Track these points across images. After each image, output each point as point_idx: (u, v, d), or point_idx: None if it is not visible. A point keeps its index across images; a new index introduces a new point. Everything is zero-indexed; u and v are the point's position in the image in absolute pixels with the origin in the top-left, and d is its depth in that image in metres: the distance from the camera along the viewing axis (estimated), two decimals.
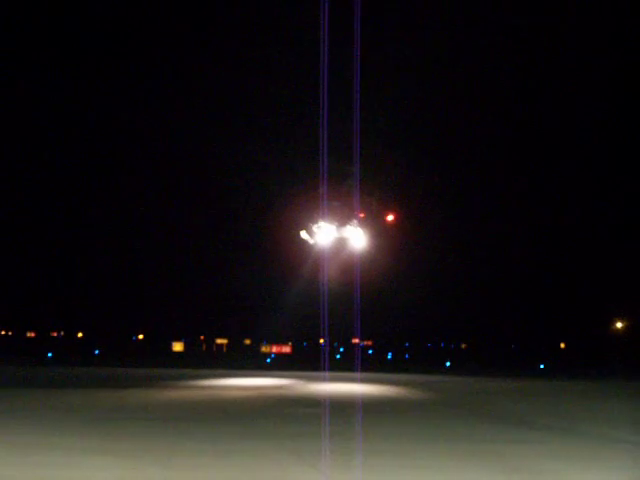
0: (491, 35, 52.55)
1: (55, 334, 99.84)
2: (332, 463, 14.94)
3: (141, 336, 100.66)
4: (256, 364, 62.33)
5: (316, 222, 30.95)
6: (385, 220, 32.77)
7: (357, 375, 44.54)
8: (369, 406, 26.58)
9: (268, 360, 78.98)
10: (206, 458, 15.69)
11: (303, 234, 31.49)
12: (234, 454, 16.18)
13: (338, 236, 31.24)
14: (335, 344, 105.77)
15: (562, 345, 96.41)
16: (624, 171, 65.10)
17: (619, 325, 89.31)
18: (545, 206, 69.19)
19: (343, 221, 30.88)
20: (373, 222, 31.85)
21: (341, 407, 25.99)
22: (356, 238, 31.29)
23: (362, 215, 31.31)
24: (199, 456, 15.93)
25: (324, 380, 41.12)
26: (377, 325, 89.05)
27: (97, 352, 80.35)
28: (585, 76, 56.74)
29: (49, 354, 70.05)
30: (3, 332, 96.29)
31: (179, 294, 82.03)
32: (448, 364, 72.00)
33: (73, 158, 68.45)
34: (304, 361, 59.33)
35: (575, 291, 75.86)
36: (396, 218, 33.02)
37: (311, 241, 31.30)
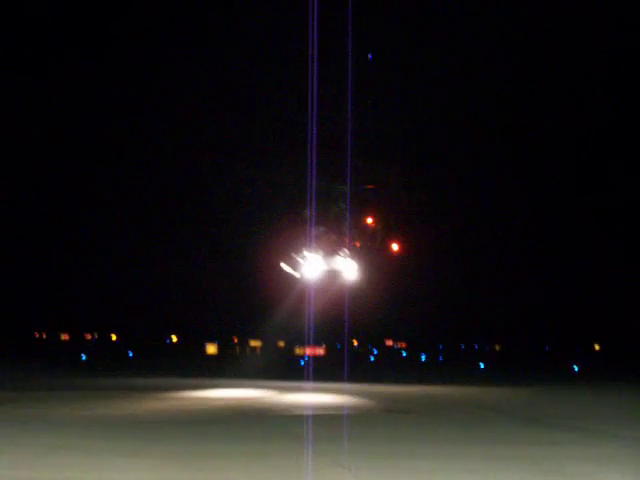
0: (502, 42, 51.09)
1: (89, 336, 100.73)
2: None
3: (174, 338, 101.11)
4: (287, 368, 61.88)
5: (300, 252, 27.76)
6: (390, 250, 29.75)
7: (368, 387, 37.67)
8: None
9: (302, 362, 78.78)
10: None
11: (284, 266, 28.14)
12: None
13: (327, 268, 27.81)
14: (369, 345, 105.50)
15: (596, 347, 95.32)
16: None
17: None
18: (575, 205, 68.25)
19: (331, 250, 27.66)
20: (377, 253, 28.88)
21: None
22: (348, 270, 27.99)
23: (357, 244, 28.08)
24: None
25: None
26: (410, 327, 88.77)
27: (131, 354, 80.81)
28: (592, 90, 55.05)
29: (83, 356, 70.63)
30: (37, 335, 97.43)
31: (212, 295, 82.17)
32: (482, 366, 71.43)
33: (88, 165, 68.65)
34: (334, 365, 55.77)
35: (608, 292, 74.93)
36: (402, 247, 30.04)
37: (296, 274, 27.93)
